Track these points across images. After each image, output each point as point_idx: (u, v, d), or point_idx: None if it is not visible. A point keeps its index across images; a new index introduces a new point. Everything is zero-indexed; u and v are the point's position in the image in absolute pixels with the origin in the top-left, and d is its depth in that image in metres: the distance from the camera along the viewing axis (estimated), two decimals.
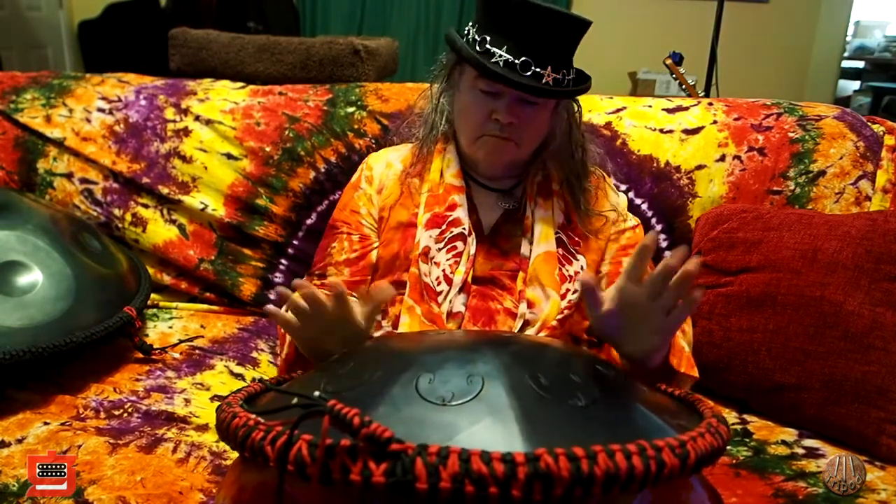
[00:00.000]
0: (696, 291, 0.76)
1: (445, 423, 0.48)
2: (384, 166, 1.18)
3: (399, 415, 0.50)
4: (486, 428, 0.48)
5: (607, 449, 0.43)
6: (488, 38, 1.00)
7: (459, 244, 1.07)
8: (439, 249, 1.07)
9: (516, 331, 1.05)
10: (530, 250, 1.09)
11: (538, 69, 0.98)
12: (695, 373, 1.00)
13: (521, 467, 0.41)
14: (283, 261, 1.45)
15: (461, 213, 1.09)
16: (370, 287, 0.93)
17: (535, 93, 1.00)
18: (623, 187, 1.37)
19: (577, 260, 1.10)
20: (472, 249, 1.08)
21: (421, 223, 1.09)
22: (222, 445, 0.94)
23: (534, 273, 1.06)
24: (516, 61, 0.98)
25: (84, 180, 1.46)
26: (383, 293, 0.86)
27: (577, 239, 1.12)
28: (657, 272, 0.76)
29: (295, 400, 0.47)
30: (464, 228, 1.08)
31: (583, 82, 1.07)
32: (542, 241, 1.09)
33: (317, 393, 0.46)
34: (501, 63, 0.98)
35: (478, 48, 1.00)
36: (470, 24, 1.05)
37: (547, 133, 1.11)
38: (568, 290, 1.07)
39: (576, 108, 1.13)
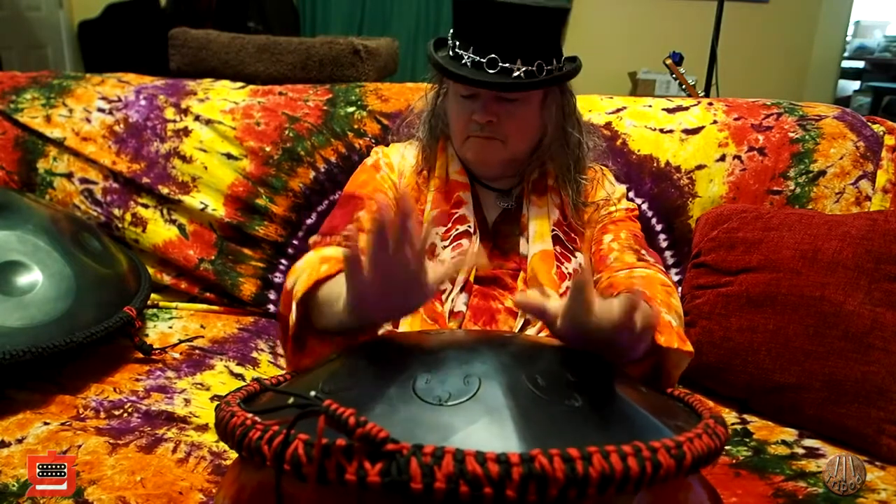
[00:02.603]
0: (650, 317, 0.75)
1: (442, 424, 0.48)
2: (400, 157, 1.18)
3: (396, 415, 0.50)
4: (483, 428, 0.48)
5: (602, 450, 0.43)
6: (457, 42, 1.01)
7: (464, 241, 1.08)
8: (444, 247, 1.07)
9: (517, 330, 1.05)
10: (528, 249, 1.09)
11: (506, 65, 0.98)
12: (688, 347, 0.90)
13: (515, 468, 0.41)
14: (283, 261, 1.45)
15: (467, 211, 1.09)
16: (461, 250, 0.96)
17: (502, 88, 1.00)
18: (623, 187, 1.36)
19: (575, 257, 1.10)
20: (476, 248, 1.08)
21: (427, 220, 1.09)
22: (222, 445, 0.94)
23: (532, 273, 1.07)
24: (482, 60, 0.98)
25: (84, 180, 1.46)
26: (477, 258, 0.84)
27: (573, 235, 1.12)
28: (602, 311, 0.69)
29: (291, 399, 0.47)
30: (469, 226, 1.08)
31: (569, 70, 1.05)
32: (537, 240, 1.09)
33: (313, 392, 0.46)
34: (469, 64, 0.99)
35: (450, 53, 1.02)
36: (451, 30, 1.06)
37: (539, 128, 1.10)
38: (568, 287, 1.07)
39: (566, 100, 1.11)
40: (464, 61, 0.99)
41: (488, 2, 0.95)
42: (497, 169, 1.13)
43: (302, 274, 0.85)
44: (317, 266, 0.84)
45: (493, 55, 0.98)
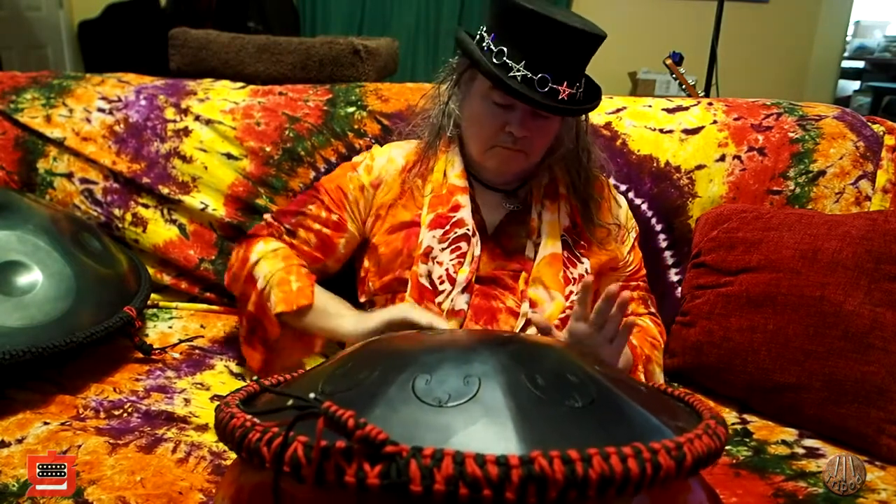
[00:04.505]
0: (630, 320, 0.92)
1: (441, 425, 0.48)
2: (386, 160, 1.18)
3: (395, 416, 0.49)
4: (482, 429, 0.48)
5: (602, 451, 0.43)
6: (505, 51, 0.98)
7: (463, 244, 1.07)
8: (442, 249, 1.07)
9: (518, 330, 1.05)
10: (535, 252, 1.09)
11: (555, 85, 0.98)
12: None
13: (515, 470, 0.41)
14: None
15: (465, 214, 1.09)
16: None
17: (554, 111, 1.00)
18: (623, 187, 1.36)
19: (582, 263, 1.11)
20: (477, 251, 1.08)
21: (424, 223, 1.09)
22: (222, 445, 0.94)
23: (537, 274, 1.07)
24: (534, 77, 0.97)
25: (84, 180, 1.46)
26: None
27: (582, 242, 1.12)
28: (598, 306, 0.90)
29: (290, 401, 0.47)
30: (467, 229, 1.08)
31: (593, 92, 1.07)
32: (548, 244, 1.09)
33: (312, 394, 0.46)
34: (519, 78, 0.97)
35: (494, 59, 0.99)
36: (484, 29, 1.03)
37: (555, 140, 1.11)
38: (572, 291, 1.07)
39: (584, 116, 1.13)
40: (513, 73, 0.98)
41: (552, 21, 0.95)
42: (512, 177, 1.13)
43: (272, 281, 1.08)
44: (288, 280, 1.07)
45: (544, 74, 0.97)
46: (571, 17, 0.98)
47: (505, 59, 0.98)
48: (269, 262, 1.10)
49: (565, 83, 0.98)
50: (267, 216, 1.22)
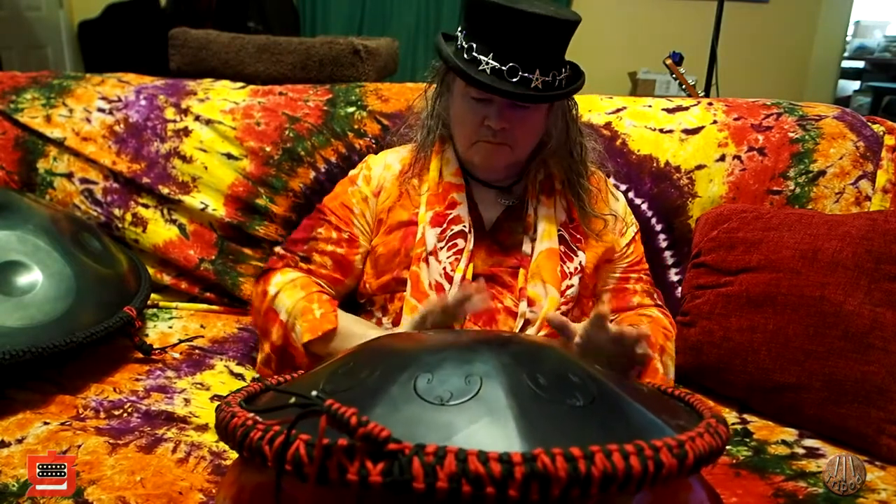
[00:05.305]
0: (648, 351, 0.93)
1: (443, 423, 0.48)
2: (382, 168, 1.19)
3: (397, 414, 0.50)
4: (484, 428, 0.48)
5: (605, 449, 0.43)
6: (474, 46, 0.99)
7: (460, 241, 1.08)
8: (441, 248, 1.07)
9: (517, 330, 1.05)
10: (532, 247, 1.09)
11: (526, 74, 0.98)
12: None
13: (518, 467, 0.41)
14: None
15: (461, 211, 1.09)
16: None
17: (523, 99, 1.00)
18: (623, 187, 1.37)
19: (577, 256, 1.11)
20: (472, 246, 1.08)
21: (424, 221, 1.09)
22: (222, 445, 0.94)
23: (536, 269, 1.07)
24: (503, 68, 0.98)
25: (84, 180, 1.46)
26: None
27: (578, 236, 1.12)
28: (615, 332, 0.88)
29: (292, 399, 0.47)
30: (464, 226, 1.08)
31: (576, 80, 1.06)
32: (544, 239, 1.09)
33: (314, 392, 0.46)
34: (488, 70, 0.98)
35: (465, 56, 1.00)
36: (459, 28, 1.05)
37: (543, 132, 1.11)
38: (569, 286, 1.08)
39: (571, 106, 1.13)
40: (482, 67, 0.98)
41: (513, 11, 0.95)
42: (501, 172, 1.13)
43: (295, 312, 1.07)
44: (311, 309, 1.06)
45: (513, 64, 0.97)
46: (538, 6, 0.97)
47: (474, 53, 0.99)
48: (289, 294, 1.09)
49: (537, 71, 0.98)
50: (278, 248, 1.21)
